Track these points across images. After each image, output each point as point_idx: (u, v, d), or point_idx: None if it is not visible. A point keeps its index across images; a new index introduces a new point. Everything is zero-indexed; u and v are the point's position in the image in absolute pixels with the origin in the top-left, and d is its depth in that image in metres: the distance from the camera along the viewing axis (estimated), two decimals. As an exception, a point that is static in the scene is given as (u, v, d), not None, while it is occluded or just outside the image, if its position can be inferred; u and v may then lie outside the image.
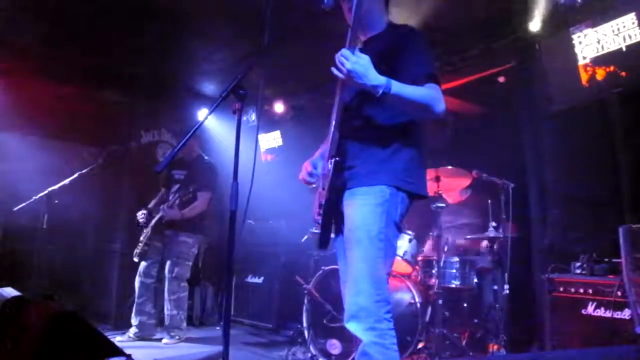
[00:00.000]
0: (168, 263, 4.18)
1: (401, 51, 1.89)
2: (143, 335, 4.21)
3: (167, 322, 4.20)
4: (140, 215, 4.23)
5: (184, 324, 4.29)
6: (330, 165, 1.91)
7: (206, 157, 4.50)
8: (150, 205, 4.38)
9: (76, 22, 4.20)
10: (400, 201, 1.91)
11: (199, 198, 4.24)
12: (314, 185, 2.13)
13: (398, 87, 1.76)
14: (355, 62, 1.73)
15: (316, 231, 2.00)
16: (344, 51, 1.75)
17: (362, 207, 1.87)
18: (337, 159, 1.90)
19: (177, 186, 4.33)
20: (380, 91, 1.74)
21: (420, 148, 1.99)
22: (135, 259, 4.19)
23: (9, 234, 4.71)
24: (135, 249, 4.17)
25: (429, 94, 1.82)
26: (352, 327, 1.77)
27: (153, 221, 4.16)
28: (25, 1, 3.89)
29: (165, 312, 4.20)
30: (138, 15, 4.06)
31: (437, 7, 3.73)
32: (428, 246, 3.97)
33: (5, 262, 4.62)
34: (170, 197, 4.25)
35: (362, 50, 1.88)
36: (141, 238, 4.19)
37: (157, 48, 4.63)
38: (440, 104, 1.84)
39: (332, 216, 1.95)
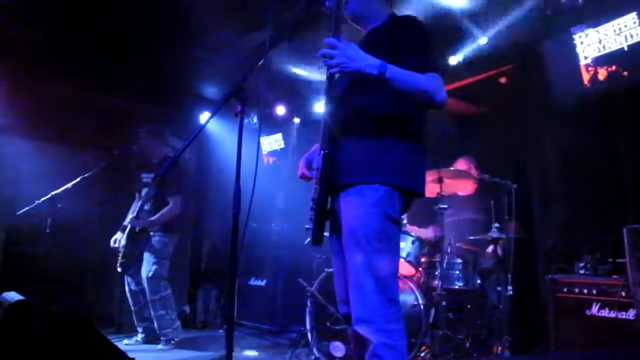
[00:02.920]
0: (144, 263, 4.08)
1: (402, 41, 1.84)
2: (150, 340, 4.20)
3: (156, 324, 4.06)
4: (112, 242, 4.21)
5: (176, 323, 4.17)
6: (320, 159, 1.83)
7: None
8: (127, 219, 4.30)
9: (77, 26, 4.21)
10: (397, 198, 1.84)
11: (170, 202, 4.14)
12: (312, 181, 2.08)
13: (394, 70, 1.70)
14: (344, 47, 1.69)
15: (309, 227, 1.89)
16: (329, 39, 1.71)
17: (356, 209, 1.81)
18: (326, 151, 1.82)
19: (146, 190, 4.22)
20: (376, 72, 1.68)
21: (417, 142, 1.90)
22: (119, 270, 4.14)
23: (12, 238, 4.71)
24: (118, 259, 4.12)
25: (428, 80, 1.75)
26: (361, 329, 1.74)
27: (125, 232, 4.12)
28: (27, 5, 3.91)
29: (152, 314, 4.06)
30: (139, 18, 4.08)
31: (437, 8, 3.74)
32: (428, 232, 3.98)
33: (8, 266, 4.63)
34: (141, 203, 4.14)
35: (362, 42, 1.85)
36: (120, 248, 4.14)
37: (159, 51, 4.64)
38: (441, 92, 1.77)
39: (325, 212, 1.85)
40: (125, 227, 4.21)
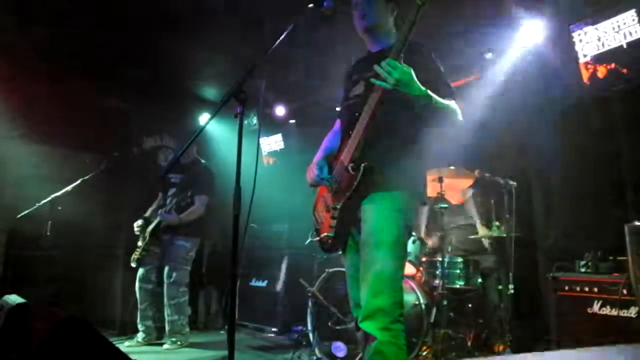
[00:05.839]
0: (166, 268, 4.14)
1: (422, 69, 1.92)
2: (151, 340, 4.21)
3: (168, 327, 4.16)
4: (136, 227, 4.23)
5: (187, 329, 4.25)
6: (353, 171, 1.94)
7: (203, 161, 4.48)
8: (148, 211, 4.37)
9: (76, 28, 4.21)
10: (414, 207, 2.01)
11: (197, 202, 4.22)
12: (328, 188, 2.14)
13: (436, 99, 1.87)
14: (402, 71, 1.78)
15: (330, 235, 2.01)
16: (390, 61, 1.79)
17: (382, 212, 1.91)
18: (366, 164, 1.92)
19: (173, 190, 4.29)
20: (422, 102, 1.83)
21: (425, 160, 2.10)
22: (133, 265, 4.18)
23: (13, 241, 4.71)
24: (133, 255, 4.17)
25: (452, 106, 1.97)
26: (367, 326, 1.81)
27: (151, 226, 4.15)
28: (26, 6, 3.91)
29: (166, 317, 4.16)
30: (139, 20, 4.08)
31: (436, 7, 3.73)
32: (432, 242, 3.97)
33: (9, 269, 4.63)
34: (167, 202, 4.23)
35: (375, 60, 1.88)
36: (139, 243, 4.19)
37: (158, 53, 4.64)
38: (460, 116, 2.01)
39: (348, 219, 1.99)
40: (147, 218, 4.21)
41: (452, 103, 1.98)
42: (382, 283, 1.82)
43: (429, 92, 1.85)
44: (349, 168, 1.95)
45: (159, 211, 4.19)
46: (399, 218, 1.90)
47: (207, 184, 4.33)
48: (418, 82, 1.82)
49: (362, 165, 1.92)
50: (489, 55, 4.14)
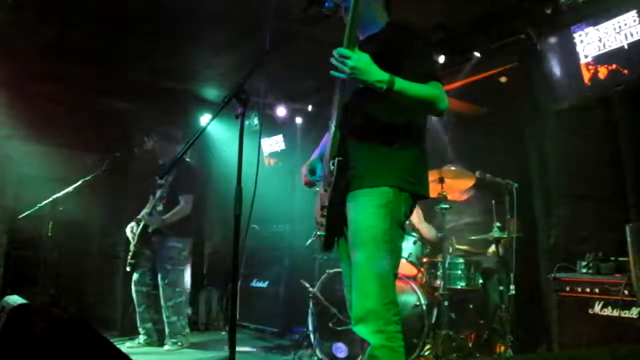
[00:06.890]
0: (160, 270, 4.13)
1: (402, 51, 1.86)
2: (152, 342, 4.21)
3: (167, 329, 4.15)
4: (129, 230, 4.23)
5: (187, 330, 4.25)
6: (332, 166, 1.87)
7: (188, 159, 4.44)
8: (141, 213, 4.37)
9: (77, 29, 4.22)
10: (404, 201, 1.88)
11: (181, 201, 4.19)
12: (317, 188, 2.13)
13: (401, 84, 1.73)
14: (357, 59, 1.70)
15: (321, 233, 1.98)
16: (343, 50, 1.71)
17: (365, 209, 1.84)
18: (340, 159, 1.86)
19: (160, 191, 4.26)
20: (385, 87, 1.71)
21: (422, 147, 1.98)
22: (128, 269, 4.17)
23: (14, 242, 4.72)
24: (127, 259, 4.17)
25: (432, 91, 1.81)
26: (360, 330, 1.76)
27: (138, 230, 4.14)
28: (27, 8, 3.91)
29: (165, 319, 4.15)
30: (139, 21, 4.08)
31: (438, 7, 3.73)
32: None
33: (10, 270, 4.63)
34: (153, 204, 4.20)
35: (361, 48, 1.84)
36: (131, 247, 4.18)
37: (159, 54, 4.65)
38: (444, 101, 1.83)
39: (336, 218, 1.92)
40: (140, 220, 4.22)
41: (429, 86, 1.80)
42: (370, 283, 1.76)
43: (394, 76, 1.72)
44: (330, 165, 1.90)
45: (143, 214, 4.17)
46: (383, 214, 1.81)
47: (190, 182, 4.30)
48: (377, 68, 1.71)
49: (336, 160, 1.85)
50: (503, 79, 4.15)
